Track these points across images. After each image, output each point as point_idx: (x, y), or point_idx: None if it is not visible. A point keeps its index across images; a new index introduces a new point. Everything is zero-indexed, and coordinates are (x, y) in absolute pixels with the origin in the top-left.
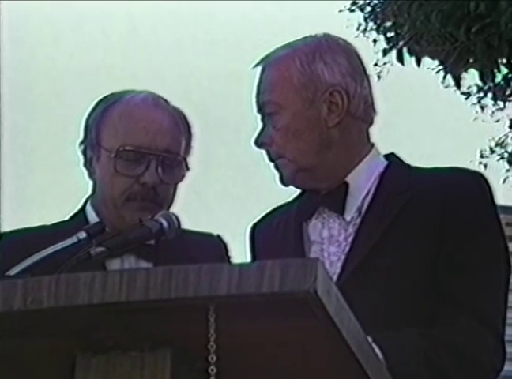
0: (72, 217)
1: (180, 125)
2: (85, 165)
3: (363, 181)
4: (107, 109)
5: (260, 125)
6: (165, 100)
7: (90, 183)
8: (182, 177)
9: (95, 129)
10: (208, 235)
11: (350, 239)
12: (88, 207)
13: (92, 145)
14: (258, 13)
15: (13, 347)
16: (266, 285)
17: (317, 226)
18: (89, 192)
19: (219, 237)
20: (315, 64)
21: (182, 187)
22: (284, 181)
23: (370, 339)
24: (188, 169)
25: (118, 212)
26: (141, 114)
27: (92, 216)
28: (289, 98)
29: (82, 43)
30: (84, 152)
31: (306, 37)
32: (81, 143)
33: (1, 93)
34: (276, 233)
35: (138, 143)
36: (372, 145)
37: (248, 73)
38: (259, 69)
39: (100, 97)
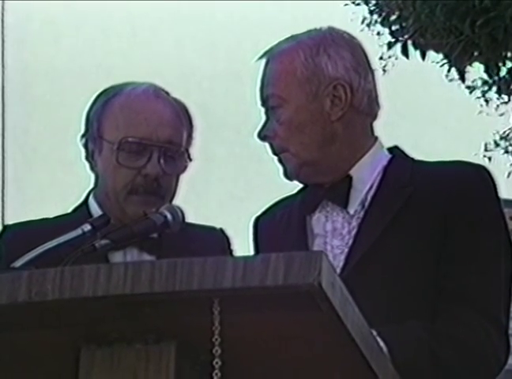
0: (74, 210)
1: (181, 117)
2: (87, 158)
3: (366, 174)
4: (107, 101)
5: (263, 118)
6: (166, 92)
7: (92, 176)
8: (185, 168)
9: (96, 121)
10: (212, 229)
11: (353, 233)
12: (91, 200)
13: (93, 138)
14: (258, 13)
15: (18, 339)
16: (271, 278)
17: (320, 219)
18: (91, 187)
19: (222, 230)
20: (319, 57)
21: (182, 187)
22: (289, 176)
23: (374, 333)
24: (190, 160)
25: (120, 205)
26: (142, 105)
27: (95, 209)
28: (292, 91)
29: (82, 43)
30: (86, 145)
31: (310, 30)
32: (83, 136)
33: (4, 93)
34: (280, 226)
35: (140, 134)
36: (376, 139)
37: (248, 72)
38: (263, 61)
39: (101, 90)
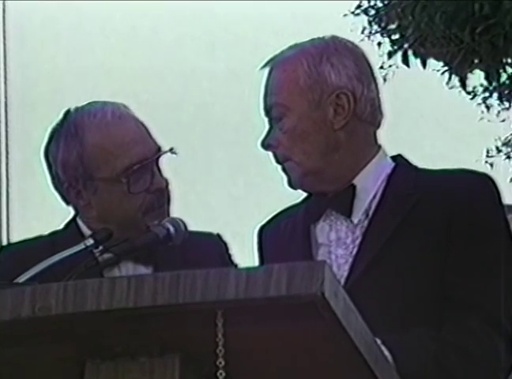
0: (66, 227)
1: (142, 122)
2: (69, 202)
3: (370, 183)
4: (82, 144)
5: (267, 127)
6: (118, 106)
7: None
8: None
9: (80, 164)
10: (208, 235)
11: (357, 242)
12: (79, 222)
13: (83, 180)
14: (258, 12)
15: (22, 354)
16: (273, 289)
17: (324, 228)
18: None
19: (219, 236)
20: (322, 66)
21: (182, 188)
22: (293, 185)
23: (379, 341)
24: (176, 154)
25: (140, 227)
26: (120, 129)
27: (85, 229)
28: (295, 100)
29: (82, 43)
30: (67, 189)
31: (313, 39)
32: (57, 182)
33: (7, 94)
34: (284, 235)
35: (137, 157)
36: (379, 147)
37: (248, 73)
38: (267, 70)
39: (50, 132)
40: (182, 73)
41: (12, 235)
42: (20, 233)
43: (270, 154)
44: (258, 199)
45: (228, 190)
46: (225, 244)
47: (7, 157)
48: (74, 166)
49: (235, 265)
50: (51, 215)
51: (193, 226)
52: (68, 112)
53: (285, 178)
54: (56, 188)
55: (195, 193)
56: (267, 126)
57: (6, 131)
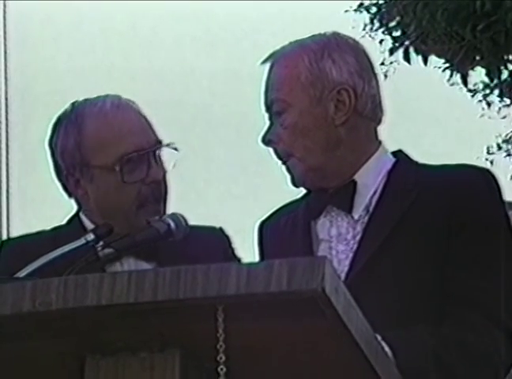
0: (68, 222)
1: (144, 115)
2: (68, 190)
3: (370, 179)
4: (80, 129)
5: (268, 122)
6: (119, 97)
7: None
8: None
9: (77, 151)
10: (211, 229)
11: (358, 238)
12: (82, 216)
13: (80, 167)
14: (258, 13)
15: (22, 348)
16: (274, 284)
17: (325, 224)
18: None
19: (221, 230)
20: (323, 62)
21: (182, 186)
22: (296, 183)
23: (379, 337)
24: (177, 150)
25: (133, 221)
26: (119, 119)
27: (88, 223)
28: (297, 96)
29: (82, 43)
30: (66, 178)
31: (315, 35)
32: (58, 171)
33: (8, 94)
34: (285, 231)
35: (133, 147)
36: (380, 143)
37: (248, 72)
38: (267, 65)
39: (54, 121)
40: (182, 73)
41: (12, 233)
42: (19, 230)
43: (271, 151)
44: (258, 197)
45: (228, 189)
46: (228, 238)
47: (7, 156)
48: (72, 154)
49: (239, 259)
50: (51, 212)
51: (194, 223)
52: (74, 103)
53: (288, 177)
54: (58, 178)
55: (195, 192)
56: (267, 122)
57: (6, 130)
